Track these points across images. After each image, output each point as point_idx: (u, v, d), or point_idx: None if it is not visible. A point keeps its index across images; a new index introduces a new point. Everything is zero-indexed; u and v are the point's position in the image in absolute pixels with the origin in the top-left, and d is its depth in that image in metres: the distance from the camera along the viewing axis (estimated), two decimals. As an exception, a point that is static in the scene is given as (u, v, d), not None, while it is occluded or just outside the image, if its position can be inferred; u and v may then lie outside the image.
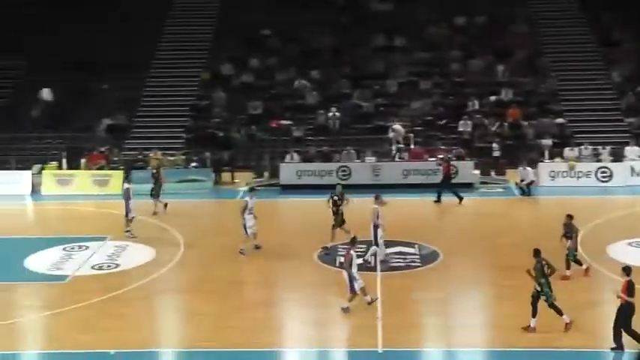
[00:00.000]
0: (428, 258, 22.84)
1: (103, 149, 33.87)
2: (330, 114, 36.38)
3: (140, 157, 33.83)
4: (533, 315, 16.83)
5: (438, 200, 29.06)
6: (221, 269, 22.00)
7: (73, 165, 33.02)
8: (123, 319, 18.59)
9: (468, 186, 31.01)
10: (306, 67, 39.52)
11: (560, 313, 16.87)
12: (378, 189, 29.43)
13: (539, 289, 16.82)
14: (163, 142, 35.06)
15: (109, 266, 22.50)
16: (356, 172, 31.39)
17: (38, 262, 22.87)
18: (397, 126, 34.11)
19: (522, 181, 30.19)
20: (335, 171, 31.43)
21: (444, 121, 36.48)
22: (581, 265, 20.52)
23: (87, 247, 24.00)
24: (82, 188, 31.32)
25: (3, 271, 22.20)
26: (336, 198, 23.20)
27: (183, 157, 33.44)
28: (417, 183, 31.03)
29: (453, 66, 39.34)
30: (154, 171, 28.48)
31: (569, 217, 20.43)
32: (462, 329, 17.75)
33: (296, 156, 33.13)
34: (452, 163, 30.52)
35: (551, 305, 16.87)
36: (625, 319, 15.72)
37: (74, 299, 19.66)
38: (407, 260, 22.62)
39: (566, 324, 16.81)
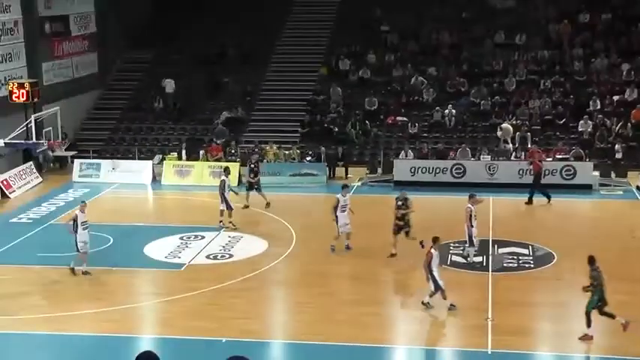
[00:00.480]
0: (542, 260, 22.36)
1: (219, 141, 34.59)
2: (446, 111, 36.06)
3: (257, 149, 34.43)
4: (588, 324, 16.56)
5: (529, 202, 28.37)
6: (331, 264, 22.17)
7: (192, 156, 33.89)
8: (234, 308, 19.00)
9: (587, 187, 30.14)
10: (423, 63, 39.28)
11: (588, 324, 16.59)
12: (493, 188, 29.20)
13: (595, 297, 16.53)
14: (279, 136, 35.55)
15: (222, 256, 23.01)
16: (470, 170, 30.97)
17: (156, 249, 23.62)
18: (506, 125, 33.49)
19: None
20: (449, 169, 31.11)
21: (563, 121, 35.56)
22: None
23: (203, 237, 24.60)
24: (200, 179, 32.11)
25: (124, 257, 23.03)
26: (400, 203, 22.65)
27: (298, 151, 33.81)
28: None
29: (575, 64, 38.28)
30: (253, 165, 28.54)
31: None
32: (573, 335, 17.32)
33: (410, 153, 32.99)
34: (543, 161, 29.68)
35: (587, 313, 16.59)
36: None
37: (189, 287, 20.23)
38: (520, 261, 22.22)
39: (586, 335, 16.55)
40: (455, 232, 23.52)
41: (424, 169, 31.19)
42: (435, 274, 18.39)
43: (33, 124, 28.49)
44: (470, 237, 21.72)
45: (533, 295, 19.94)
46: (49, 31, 36.18)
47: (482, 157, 32.25)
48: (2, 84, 32.14)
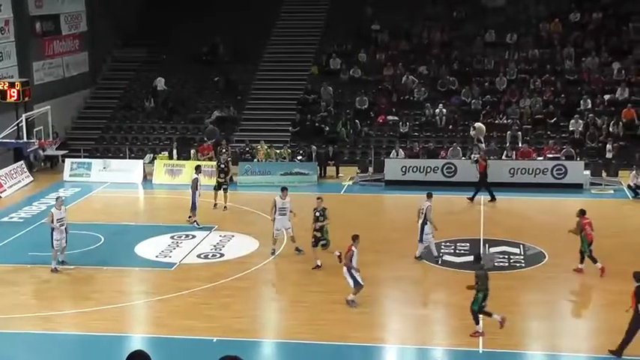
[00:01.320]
0: (533, 259, 22.42)
1: (210, 141, 34.54)
2: (437, 110, 36.12)
3: (247, 148, 34.43)
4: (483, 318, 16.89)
5: (472, 199, 28.67)
6: (326, 262, 22.15)
7: (183, 155, 33.86)
8: (225, 307, 19.00)
9: (578, 187, 30.24)
10: (414, 62, 39.35)
11: (476, 321, 16.87)
12: (482, 187, 29.22)
13: None
14: (270, 135, 35.55)
15: (213, 255, 23.00)
16: (462, 169, 31.03)
17: (147, 248, 23.60)
18: (479, 124, 33.59)
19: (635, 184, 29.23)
20: (440, 168, 31.17)
21: (553, 120, 35.66)
22: None
23: (194, 237, 24.59)
24: (191, 178, 31.96)
25: (115, 256, 23.00)
26: (317, 214, 21.80)
27: (289, 150, 33.82)
28: (525, 182, 30.44)
29: (566, 63, 38.39)
30: (222, 165, 28.42)
31: None
32: (565, 334, 17.38)
33: (401, 152, 33.04)
34: (488, 160, 29.83)
35: (477, 312, 16.90)
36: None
37: (180, 286, 20.22)
38: (511, 260, 22.28)
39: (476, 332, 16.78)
40: (445, 231, 23.57)
41: (415, 168, 31.24)
42: (354, 271, 18.59)
43: (24, 123, 28.45)
44: (421, 234, 21.97)
45: (524, 294, 20.00)
46: (40, 30, 36.10)
47: (473, 156, 32.30)
48: (-7, 83, 32.04)
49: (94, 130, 37.85)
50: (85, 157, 34.63)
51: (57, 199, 22.40)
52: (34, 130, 31.39)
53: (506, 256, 22.56)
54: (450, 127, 35.85)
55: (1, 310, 18.88)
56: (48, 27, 36.70)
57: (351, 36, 40.96)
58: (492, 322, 17.07)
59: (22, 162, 32.55)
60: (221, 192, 27.97)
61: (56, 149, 34.70)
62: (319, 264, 21.51)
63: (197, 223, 25.43)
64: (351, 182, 31.79)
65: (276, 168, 32.23)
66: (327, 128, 36.00)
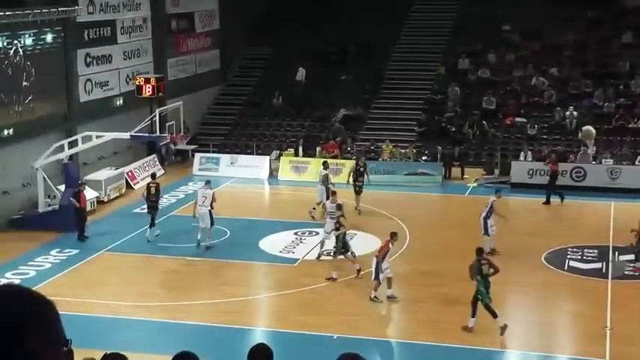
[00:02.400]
0: (666, 269, 21.50)
1: (336, 139, 34.79)
2: (568, 113, 35.13)
3: (373, 147, 34.47)
4: (472, 315, 17.02)
5: (547, 202, 28.08)
6: (445, 264, 21.97)
7: (309, 153, 34.23)
8: (346, 304, 19.10)
9: None
10: (545, 63, 38.39)
11: (494, 315, 16.65)
12: (614, 193, 28.29)
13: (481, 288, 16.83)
14: (396, 134, 35.48)
15: (336, 253, 23.10)
16: (591, 174, 30.07)
17: (271, 244, 23.98)
18: (587, 127, 32.43)
19: None
20: (569, 172, 30.29)
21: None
22: None
23: (317, 233, 24.79)
24: (316, 176, 32.25)
25: (241, 250, 23.50)
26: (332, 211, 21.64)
27: (414, 150, 33.64)
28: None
29: None
30: (362, 168, 28.16)
31: None
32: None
33: (529, 154, 32.33)
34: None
35: (485, 306, 16.76)
36: None
37: (302, 282, 20.47)
38: (643, 270, 21.45)
39: (501, 327, 16.58)
40: (573, 236, 22.97)
41: (542, 172, 30.47)
42: (383, 265, 18.67)
43: (157, 117, 29.41)
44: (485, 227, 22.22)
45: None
46: (175, 27, 37.27)
47: (604, 161, 31.28)
48: (130, 79, 33.30)
49: (222, 126, 38.75)
50: (213, 152, 35.49)
51: (206, 182, 24.34)
52: (167, 124, 32.45)
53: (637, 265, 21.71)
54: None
55: (130, 297, 19.62)
56: (183, 24, 37.85)
57: (480, 36, 40.35)
58: (619, 331, 16.49)
59: (154, 155, 33.69)
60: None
61: (186, 144, 35.73)
62: (333, 277, 20.65)
63: (313, 217, 25.69)
64: (476, 184, 31.33)
65: (401, 168, 32.12)
66: (454, 129, 35.60)
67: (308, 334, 17.42)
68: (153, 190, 24.97)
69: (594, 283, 20.50)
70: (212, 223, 23.29)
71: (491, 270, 17.31)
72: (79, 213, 24.34)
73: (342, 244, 20.87)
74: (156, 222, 24.52)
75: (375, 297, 19.12)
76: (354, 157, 31.24)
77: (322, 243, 22.40)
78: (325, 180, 26.26)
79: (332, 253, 21.30)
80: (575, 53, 38.73)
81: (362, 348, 15.67)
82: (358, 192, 27.46)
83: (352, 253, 21.01)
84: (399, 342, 17.51)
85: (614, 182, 29.55)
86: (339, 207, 21.78)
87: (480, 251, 17.85)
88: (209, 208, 23.14)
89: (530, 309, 19.15)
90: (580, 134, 32.46)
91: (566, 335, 17.89)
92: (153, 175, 27.11)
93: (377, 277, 18.92)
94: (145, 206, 25.27)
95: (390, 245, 19.10)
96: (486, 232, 22.32)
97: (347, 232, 21.13)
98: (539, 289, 20.41)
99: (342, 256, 20.93)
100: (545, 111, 36.19)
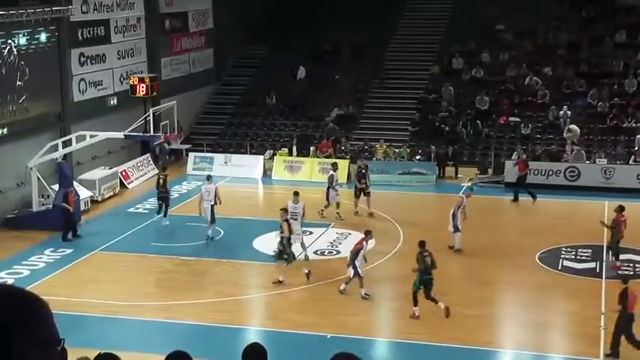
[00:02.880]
0: (659, 268, 21.55)
1: (329, 138, 34.78)
2: (561, 112, 35.17)
3: (366, 147, 34.49)
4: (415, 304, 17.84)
5: (515, 199, 28.45)
6: (441, 264, 21.94)
7: (303, 152, 34.23)
8: (340, 304, 19.10)
9: None
10: (539, 63, 38.46)
11: (415, 303, 17.73)
12: (608, 192, 28.34)
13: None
14: (389, 134, 35.49)
15: (330, 252, 23.17)
16: (585, 173, 30.14)
17: (265, 243, 23.95)
18: (574, 126, 32.48)
19: None
20: (562, 171, 30.35)
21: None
22: None
23: (311, 233, 24.80)
24: (310, 175, 32.40)
25: (234, 250, 23.49)
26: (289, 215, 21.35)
27: (408, 149, 33.66)
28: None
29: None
30: (363, 170, 27.89)
31: None
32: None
33: (522, 154, 32.34)
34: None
35: (413, 293, 17.83)
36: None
37: (295, 281, 20.44)
38: (637, 269, 21.49)
39: (413, 316, 17.74)
40: (566, 236, 23.01)
41: (537, 171, 30.51)
42: (358, 262, 18.99)
43: (151, 117, 29.36)
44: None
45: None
46: (169, 27, 37.22)
47: (597, 160, 31.35)
48: (124, 78, 33.26)
49: (216, 126, 38.73)
50: (207, 151, 35.47)
51: (207, 177, 24.90)
52: (161, 124, 32.41)
53: (632, 264, 21.77)
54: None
55: (125, 297, 19.60)
56: (176, 24, 37.81)
57: (474, 36, 40.39)
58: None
59: (148, 155, 33.66)
60: (363, 198, 27.02)
61: (180, 143, 35.68)
62: (281, 279, 20.33)
63: (321, 213, 25.85)
64: (469, 183, 31.37)
65: (395, 167, 32.13)
66: (447, 128, 35.63)
67: (302, 333, 17.42)
68: (161, 181, 25.99)
69: (588, 282, 20.54)
70: (213, 220, 23.60)
71: (432, 263, 18.13)
72: (66, 215, 24.29)
73: (280, 248, 20.60)
74: (167, 213, 25.62)
75: (366, 294, 19.24)
76: (351, 159, 31.28)
77: (303, 245, 22.22)
78: (330, 180, 26.22)
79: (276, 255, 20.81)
80: (569, 53, 38.81)
81: (355, 347, 15.67)
82: (360, 195, 26.98)
83: (291, 257, 20.60)
84: (394, 341, 17.51)
85: (608, 182, 29.61)
86: (302, 208, 22.11)
87: (422, 244, 18.55)
88: (212, 203, 23.59)
89: (524, 308, 19.16)
90: (568, 134, 32.55)
91: (560, 335, 17.91)
92: (164, 168, 27.87)
93: (357, 274, 19.16)
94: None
95: (364, 243, 19.35)
96: (456, 229, 22.47)
97: (288, 237, 20.73)
98: (533, 288, 20.43)
99: (281, 262, 20.56)
100: (539, 110, 36.24)
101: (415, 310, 17.86)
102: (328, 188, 26.28)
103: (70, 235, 24.35)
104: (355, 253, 19.16)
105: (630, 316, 15.97)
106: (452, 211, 22.64)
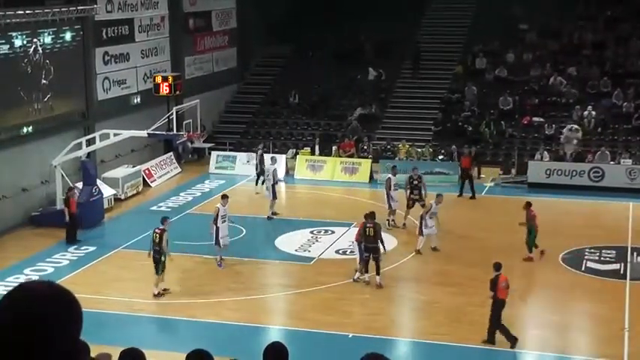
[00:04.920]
0: (684, 270, 21.34)
1: (352, 138, 34.76)
2: (586, 112, 34.92)
3: (389, 147, 34.42)
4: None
5: (473, 197, 28.99)
6: (460, 263, 21.91)
7: (325, 152, 34.22)
8: (362, 304, 19.09)
9: None
10: (564, 63, 38.19)
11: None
12: (633, 193, 28.13)
13: None
14: (412, 134, 35.41)
15: (352, 252, 23.09)
16: (609, 174, 29.90)
17: (287, 242, 24.00)
18: (575, 126, 32.41)
19: None
20: (587, 172, 30.13)
21: None
22: None
23: (333, 232, 24.81)
24: (332, 174, 32.39)
25: (257, 249, 23.54)
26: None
27: (431, 149, 33.56)
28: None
29: None
30: (416, 181, 27.24)
31: None
32: None
33: (546, 154, 32.18)
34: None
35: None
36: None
37: (318, 281, 20.47)
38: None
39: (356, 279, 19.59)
40: (590, 237, 22.85)
41: (560, 172, 30.33)
42: (363, 245, 19.97)
43: (174, 116, 29.48)
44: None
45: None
46: (192, 26, 37.35)
47: (622, 161, 31.10)
48: (147, 77, 33.42)
49: (239, 125, 38.81)
50: (230, 150, 35.55)
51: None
52: (184, 123, 32.51)
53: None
54: (599, 130, 34.59)
55: (146, 295, 19.68)
56: (200, 23, 37.93)
57: (498, 35, 40.19)
58: (637, 333, 16.37)
59: (171, 153, 33.80)
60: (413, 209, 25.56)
61: (203, 142, 35.80)
62: (161, 292, 19.70)
63: (390, 222, 25.28)
64: (492, 183, 31.24)
65: (417, 167, 31.97)
66: (470, 128, 35.49)
67: (323, 332, 17.42)
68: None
69: (612, 284, 20.39)
70: (274, 197, 26.42)
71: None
72: (70, 218, 24.21)
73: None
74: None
75: (358, 278, 20.20)
76: (373, 159, 31.18)
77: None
78: (387, 184, 25.70)
79: None
80: (594, 52, 38.52)
81: (377, 347, 15.65)
82: (412, 205, 25.55)
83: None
84: (414, 341, 17.46)
85: (633, 182, 29.37)
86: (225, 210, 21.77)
87: (367, 216, 20.10)
88: (272, 182, 26.14)
89: (547, 309, 19.05)
90: (564, 135, 32.63)
91: (583, 336, 17.80)
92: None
93: (362, 260, 20.00)
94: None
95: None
96: (421, 233, 22.64)
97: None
98: (556, 289, 20.31)
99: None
100: (563, 111, 36.01)
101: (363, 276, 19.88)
102: (388, 194, 25.34)
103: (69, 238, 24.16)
104: (359, 237, 20.21)
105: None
106: (420, 214, 22.88)
